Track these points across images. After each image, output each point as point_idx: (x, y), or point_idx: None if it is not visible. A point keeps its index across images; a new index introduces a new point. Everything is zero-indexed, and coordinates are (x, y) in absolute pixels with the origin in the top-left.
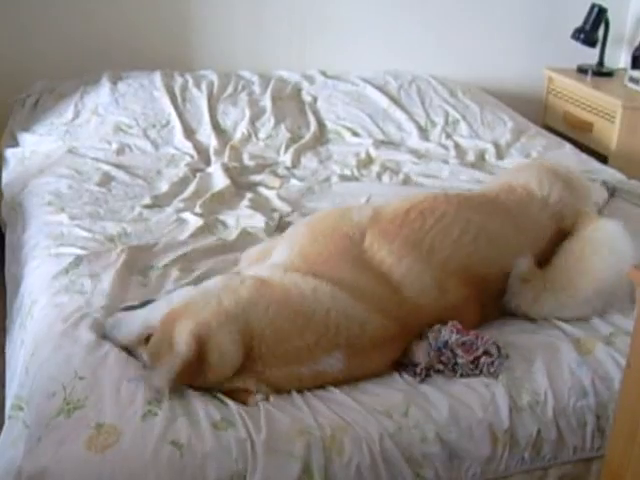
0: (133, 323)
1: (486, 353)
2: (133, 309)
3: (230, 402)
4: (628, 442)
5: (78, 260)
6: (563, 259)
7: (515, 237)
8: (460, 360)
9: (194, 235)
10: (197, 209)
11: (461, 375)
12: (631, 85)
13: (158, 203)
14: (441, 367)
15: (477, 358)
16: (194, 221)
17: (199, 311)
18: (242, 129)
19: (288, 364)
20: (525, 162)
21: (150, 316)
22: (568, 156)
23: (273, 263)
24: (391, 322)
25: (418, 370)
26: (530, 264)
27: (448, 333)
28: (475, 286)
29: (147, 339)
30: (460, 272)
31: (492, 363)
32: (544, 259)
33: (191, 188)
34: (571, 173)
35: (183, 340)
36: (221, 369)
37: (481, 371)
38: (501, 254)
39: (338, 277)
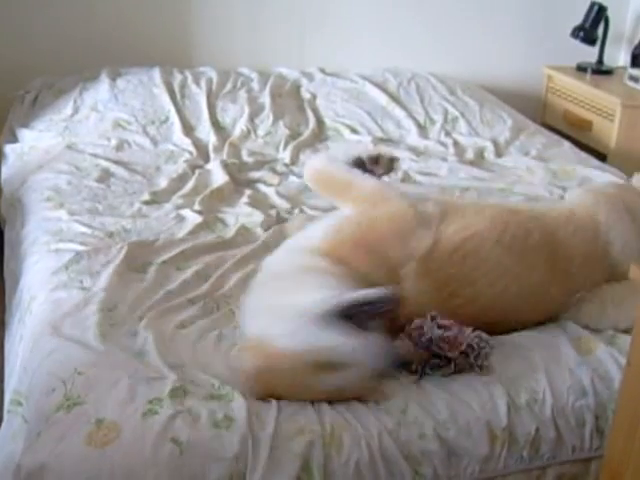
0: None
1: (469, 346)
2: None
3: (235, 400)
4: (628, 440)
5: (78, 257)
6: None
7: (558, 293)
8: (449, 354)
9: (193, 232)
10: (196, 206)
11: (455, 366)
12: (631, 83)
13: (157, 199)
14: (437, 360)
15: (462, 352)
16: (193, 218)
17: None
18: (241, 126)
19: None
20: (612, 199)
21: None
22: (567, 154)
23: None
24: None
25: (413, 368)
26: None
27: (430, 329)
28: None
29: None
30: (469, 318)
31: (478, 355)
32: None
33: (190, 184)
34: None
35: None
36: None
37: (471, 365)
38: (526, 307)
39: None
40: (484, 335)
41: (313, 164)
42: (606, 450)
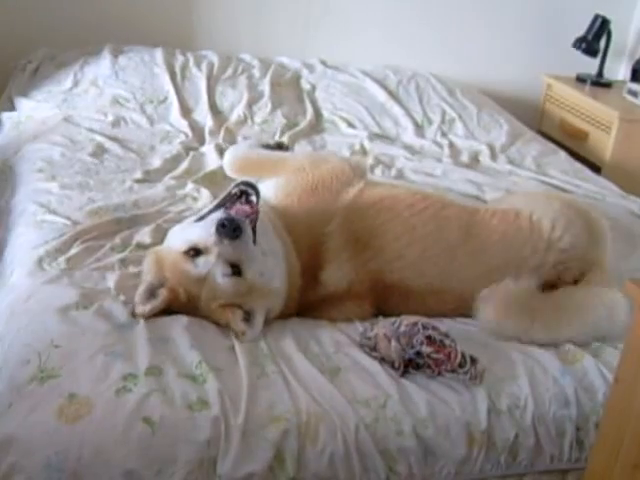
0: None
1: (454, 372)
2: None
3: (209, 382)
4: (611, 457)
5: (63, 231)
6: (560, 299)
7: (471, 264)
8: (434, 368)
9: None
10: (188, 187)
11: (439, 374)
12: (629, 97)
13: (149, 178)
14: (421, 361)
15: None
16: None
17: None
18: (239, 112)
19: None
20: (547, 193)
21: None
22: (562, 163)
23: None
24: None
25: (396, 365)
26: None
27: (419, 344)
28: (382, 290)
29: None
30: (376, 273)
31: (465, 373)
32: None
33: (183, 166)
34: (592, 218)
35: None
36: None
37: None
38: (431, 269)
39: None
40: (472, 355)
41: (233, 154)
42: (588, 464)
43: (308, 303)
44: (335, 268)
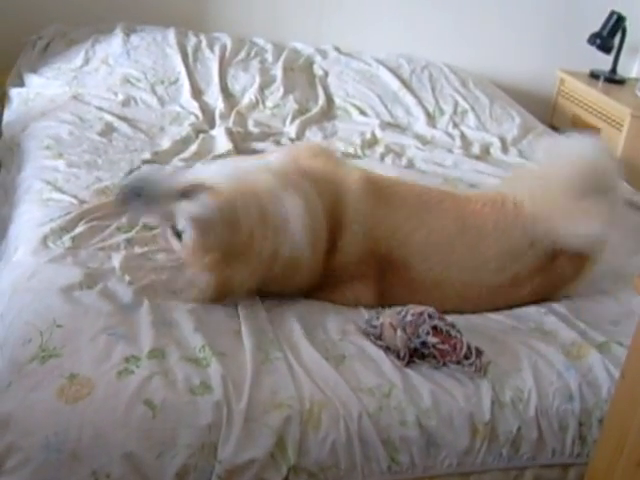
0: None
1: (459, 363)
2: None
3: (212, 366)
4: (615, 453)
5: (68, 210)
6: None
7: (470, 253)
8: (439, 359)
9: None
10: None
11: (444, 364)
12: None
13: (158, 159)
14: (426, 351)
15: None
16: None
17: None
18: (250, 95)
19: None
20: (530, 170)
21: None
22: None
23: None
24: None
25: (402, 354)
26: None
27: (425, 334)
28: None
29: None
30: (385, 257)
31: (470, 365)
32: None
33: (193, 148)
34: None
35: None
36: None
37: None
38: (434, 256)
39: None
40: (478, 347)
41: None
42: (591, 460)
43: (325, 273)
44: (352, 234)
